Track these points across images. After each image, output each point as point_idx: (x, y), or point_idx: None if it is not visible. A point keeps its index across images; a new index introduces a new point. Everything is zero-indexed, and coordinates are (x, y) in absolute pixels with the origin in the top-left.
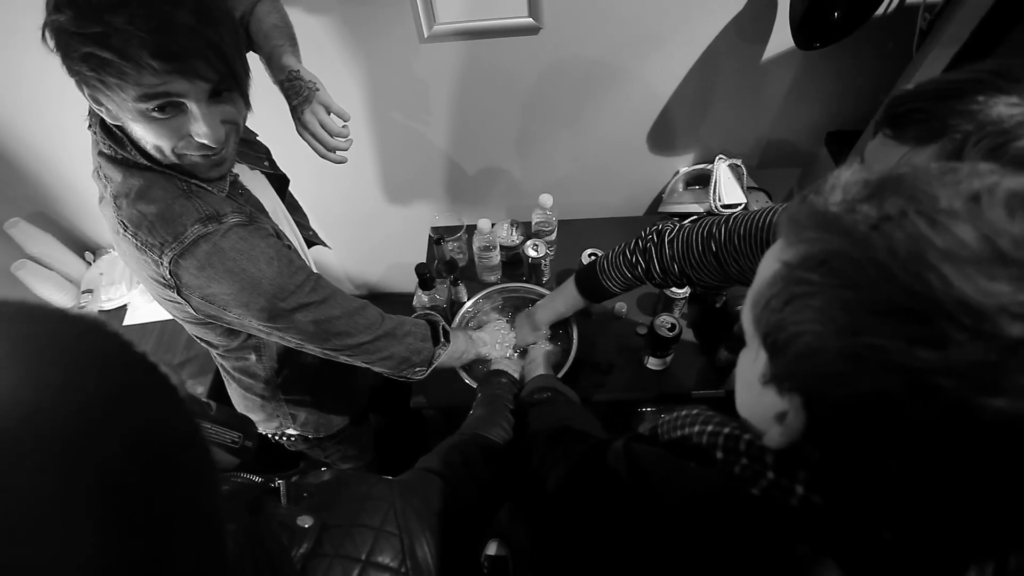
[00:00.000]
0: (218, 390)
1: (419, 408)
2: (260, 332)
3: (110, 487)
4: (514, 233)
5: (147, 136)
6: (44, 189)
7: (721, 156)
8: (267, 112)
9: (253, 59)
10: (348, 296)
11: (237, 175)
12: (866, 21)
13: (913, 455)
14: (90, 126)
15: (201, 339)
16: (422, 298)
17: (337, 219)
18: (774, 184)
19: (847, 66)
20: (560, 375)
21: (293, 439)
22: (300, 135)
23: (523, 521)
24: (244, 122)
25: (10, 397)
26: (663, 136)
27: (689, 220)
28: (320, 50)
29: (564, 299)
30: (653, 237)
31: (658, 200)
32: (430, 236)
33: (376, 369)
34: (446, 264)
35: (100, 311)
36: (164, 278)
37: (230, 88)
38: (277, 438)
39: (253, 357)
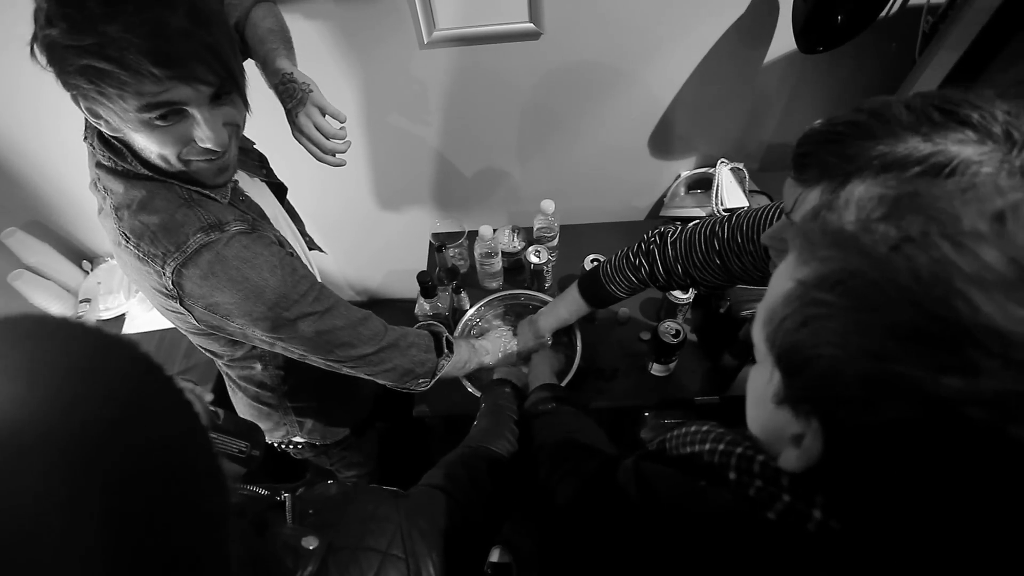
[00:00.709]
0: (220, 397)
1: (422, 417)
2: (263, 343)
3: (116, 497)
4: (516, 239)
5: (150, 145)
6: (40, 198)
7: (723, 160)
8: (265, 120)
9: (249, 64)
10: (352, 307)
11: (237, 181)
12: (870, 25)
13: (940, 483)
14: (86, 138)
15: (206, 349)
16: (424, 306)
17: (337, 225)
18: (776, 187)
19: (850, 69)
20: (564, 382)
21: (300, 447)
22: (295, 138)
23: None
24: (244, 123)
25: (24, 409)
26: (665, 140)
27: (692, 223)
28: (319, 57)
29: (567, 305)
30: (656, 239)
31: (660, 204)
32: (431, 243)
33: (379, 381)
34: (448, 271)
35: (98, 320)
36: (167, 288)
37: (229, 91)
38: (284, 446)
39: (259, 366)
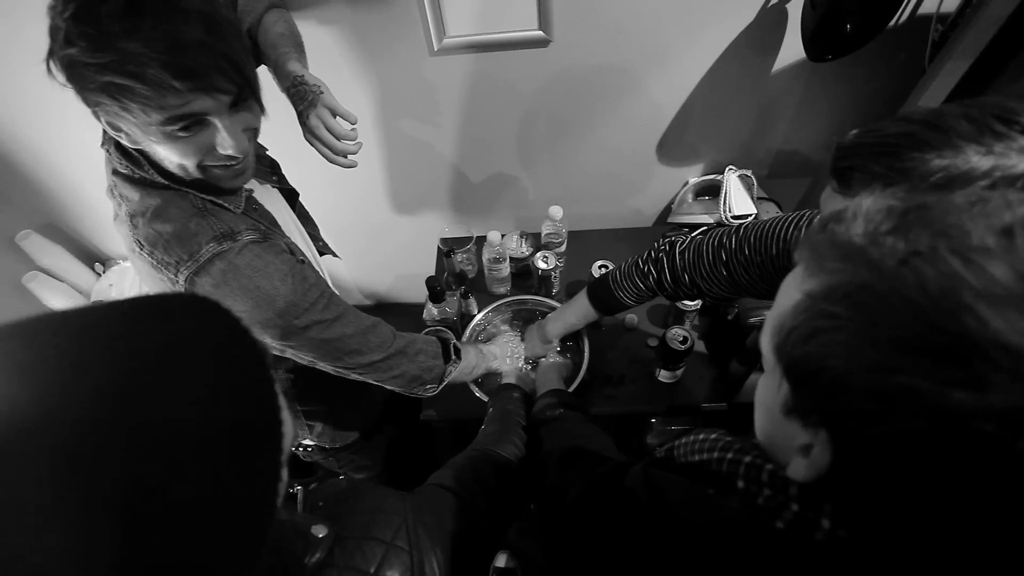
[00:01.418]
0: None
1: (429, 421)
2: (274, 349)
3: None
4: (523, 245)
5: (171, 156)
6: (55, 201)
7: (731, 167)
8: (277, 126)
9: (261, 69)
10: (361, 314)
11: (252, 191)
12: (879, 33)
13: (947, 495)
14: (103, 145)
15: None
16: (432, 310)
17: (347, 230)
18: (784, 195)
19: (859, 77)
20: (571, 388)
21: (309, 450)
22: (307, 140)
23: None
24: (260, 127)
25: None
26: (672, 147)
27: (700, 231)
28: (331, 62)
29: (576, 311)
30: (665, 247)
31: (667, 211)
32: (439, 248)
33: (388, 386)
34: (456, 276)
35: None
36: None
37: (246, 97)
38: (293, 449)
39: None
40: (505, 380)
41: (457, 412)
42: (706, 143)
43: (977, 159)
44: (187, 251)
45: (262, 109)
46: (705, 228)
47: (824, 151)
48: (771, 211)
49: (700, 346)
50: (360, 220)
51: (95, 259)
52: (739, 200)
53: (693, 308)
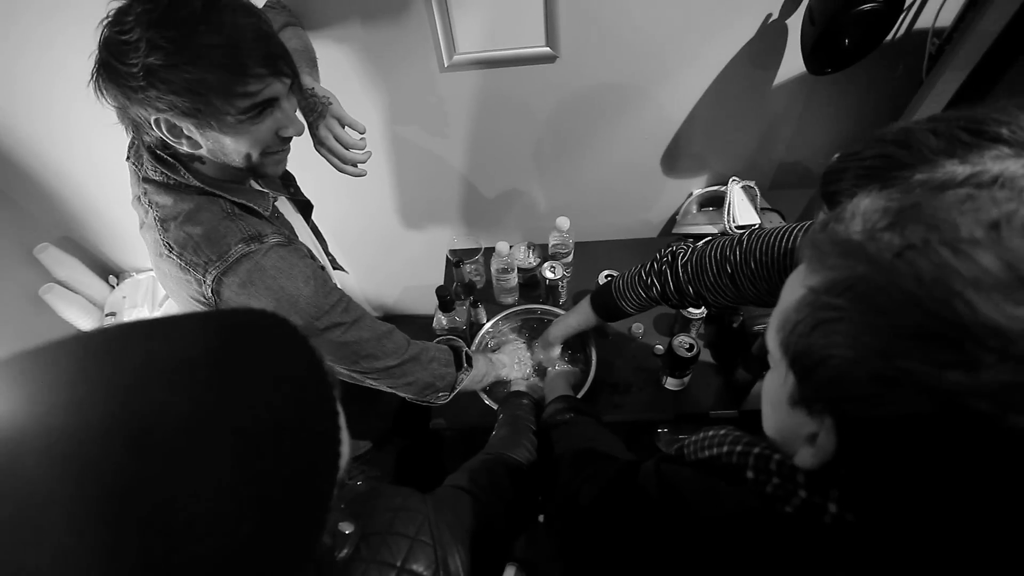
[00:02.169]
0: None
1: (438, 430)
2: None
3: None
4: (531, 255)
5: (239, 146)
6: (71, 215)
7: (734, 178)
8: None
9: None
10: (376, 320)
11: (276, 197)
12: (876, 47)
13: (946, 474)
14: (128, 158)
15: None
16: (441, 320)
17: (358, 243)
18: (787, 205)
19: (858, 90)
20: (579, 396)
21: None
22: (317, 151)
23: (542, 545)
24: None
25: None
26: (677, 159)
27: (702, 242)
28: (346, 78)
29: (577, 315)
30: (668, 258)
31: (672, 222)
32: (448, 258)
33: (400, 393)
34: (465, 286)
35: None
36: (205, 296)
37: (295, 83)
38: None
39: None
40: (514, 388)
41: (466, 420)
42: (710, 155)
43: (953, 169)
44: (216, 252)
45: (300, 95)
46: (708, 239)
47: (825, 162)
48: (774, 221)
49: (706, 354)
50: (370, 233)
51: (109, 272)
52: (743, 211)
53: (699, 316)
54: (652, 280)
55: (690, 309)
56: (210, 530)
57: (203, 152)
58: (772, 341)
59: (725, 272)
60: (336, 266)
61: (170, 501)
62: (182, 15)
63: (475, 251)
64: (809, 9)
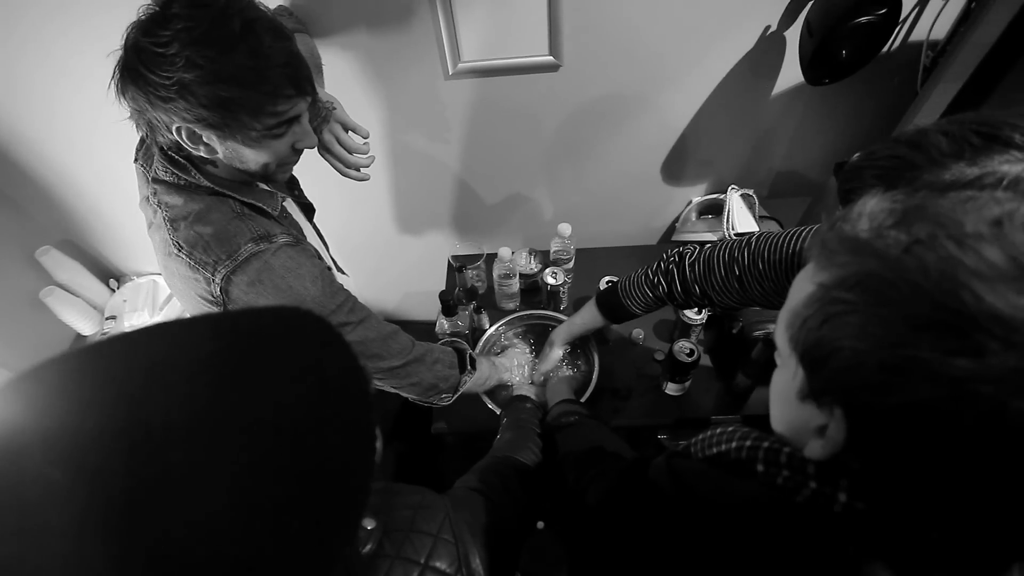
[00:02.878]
0: None
1: (440, 434)
2: None
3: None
4: (533, 261)
5: (259, 157)
6: (73, 218)
7: (733, 186)
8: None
9: None
10: (382, 321)
11: (285, 198)
12: (873, 58)
13: (954, 459)
14: (136, 160)
15: None
16: (444, 324)
17: (360, 249)
18: (785, 213)
19: (855, 100)
20: (582, 400)
21: None
22: (321, 155)
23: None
24: None
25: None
26: (677, 167)
27: (709, 244)
28: (351, 85)
29: (582, 317)
30: (675, 258)
31: (672, 229)
32: (450, 264)
33: (404, 394)
34: (467, 291)
35: None
36: (213, 295)
37: (314, 100)
38: None
39: None
40: (516, 392)
41: (468, 424)
42: (710, 163)
43: (961, 170)
44: (226, 251)
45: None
46: (715, 242)
47: (822, 171)
48: (772, 229)
49: (706, 360)
50: (372, 239)
51: (110, 275)
52: (741, 219)
53: (699, 322)
54: (659, 280)
55: (690, 315)
56: (225, 533)
57: (218, 157)
58: (781, 338)
59: (733, 273)
60: (338, 269)
61: (181, 504)
62: (221, 35)
63: (477, 257)
64: (807, 21)
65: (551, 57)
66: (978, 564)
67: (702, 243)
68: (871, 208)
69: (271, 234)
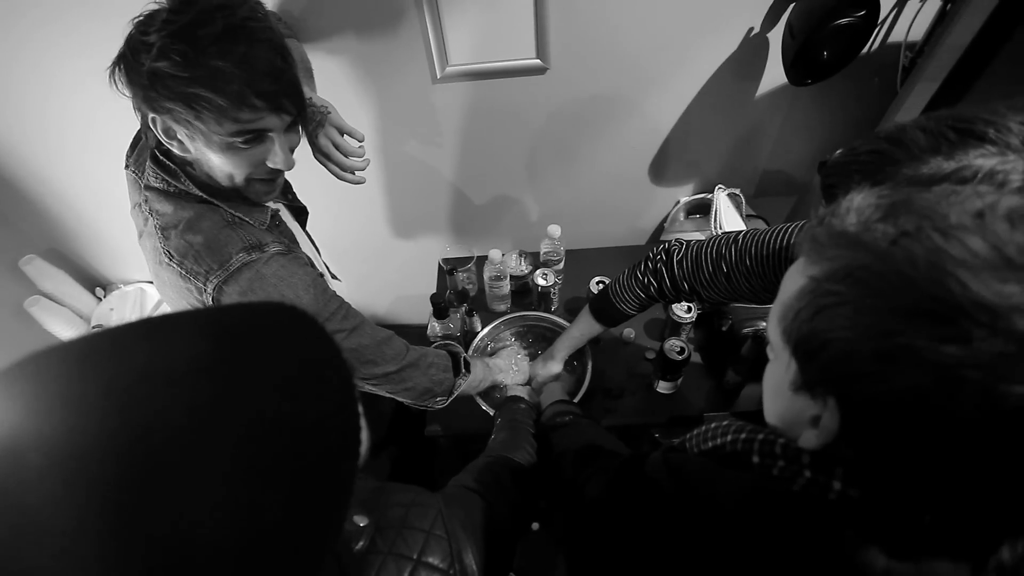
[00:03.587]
0: None
1: (434, 436)
2: None
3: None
4: (523, 263)
5: (224, 166)
6: (58, 226)
7: (720, 186)
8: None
9: None
10: (375, 326)
11: (277, 209)
12: (853, 59)
13: (945, 444)
14: (128, 166)
15: None
16: (435, 327)
17: (350, 253)
18: (771, 212)
19: (837, 100)
20: (575, 401)
21: None
22: (316, 159)
23: (537, 554)
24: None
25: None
26: (664, 168)
27: (696, 240)
28: (338, 91)
29: (580, 327)
30: (662, 256)
31: (660, 229)
32: (441, 266)
33: (399, 398)
34: (458, 294)
35: None
36: (205, 304)
37: (299, 121)
38: None
39: None
40: (510, 393)
41: (463, 426)
42: (696, 164)
43: (939, 164)
44: (217, 261)
45: (304, 133)
46: (701, 240)
47: (807, 169)
48: (759, 227)
49: (696, 357)
50: (361, 243)
51: (96, 284)
52: (729, 218)
53: (689, 320)
54: (649, 279)
55: (680, 313)
56: (218, 525)
57: (191, 159)
58: (773, 332)
59: (721, 270)
60: (331, 275)
61: (174, 500)
62: (199, 33)
63: (467, 259)
64: (789, 23)
65: (538, 60)
66: (970, 544)
67: (688, 240)
68: (858, 203)
69: (262, 243)
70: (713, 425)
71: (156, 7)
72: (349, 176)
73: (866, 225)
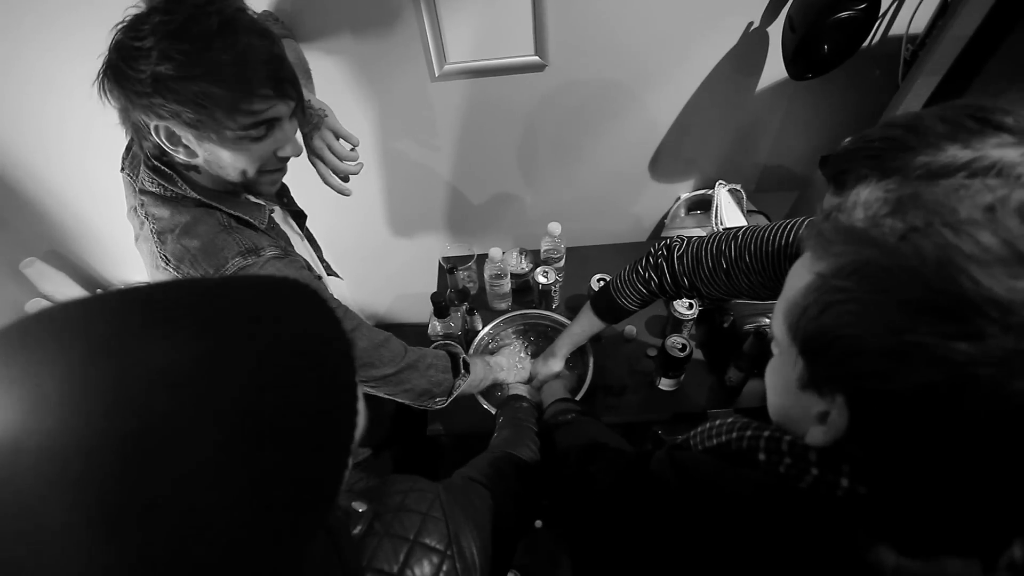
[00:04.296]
0: None
1: (435, 436)
2: None
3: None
4: (523, 261)
5: (237, 162)
6: (59, 228)
7: (721, 181)
8: None
9: None
10: (374, 329)
11: (273, 210)
12: (854, 53)
13: (955, 441)
14: (123, 169)
15: None
16: (436, 326)
17: (350, 252)
18: (772, 207)
19: (838, 94)
20: (577, 398)
21: None
22: (310, 161)
23: (540, 551)
24: None
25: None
26: (664, 164)
27: (697, 236)
28: (337, 89)
29: (581, 325)
30: (663, 252)
31: (661, 225)
32: (441, 265)
33: (399, 399)
34: (458, 292)
35: None
36: None
37: (300, 107)
38: None
39: None
40: (512, 391)
41: (464, 425)
42: (697, 160)
43: (955, 153)
44: (213, 265)
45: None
46: (701, 236)
47: (808, 164)
48: (760, 223)
49: (698, 354)
50: (362, 242)
51: (96, 286)
52: (730, 213)
53: (690, 317)
54: (650, 275)
55: (681, 310)
56: (216, 491)
57: (199, 162)
58: (779, 328)
59: (720, 266)
60: (331, 272)
61: (167, 481)
62: (198, 30)
63: (468, 258)
64: (789, 17)
65: (537, 57)
66: (980, 541)
67: (689, 236)
68: (865, 198)
69: (259, 247)
70: (717, 422)
71: (138, 11)
72: (334, 181)
73: (874, 220)
